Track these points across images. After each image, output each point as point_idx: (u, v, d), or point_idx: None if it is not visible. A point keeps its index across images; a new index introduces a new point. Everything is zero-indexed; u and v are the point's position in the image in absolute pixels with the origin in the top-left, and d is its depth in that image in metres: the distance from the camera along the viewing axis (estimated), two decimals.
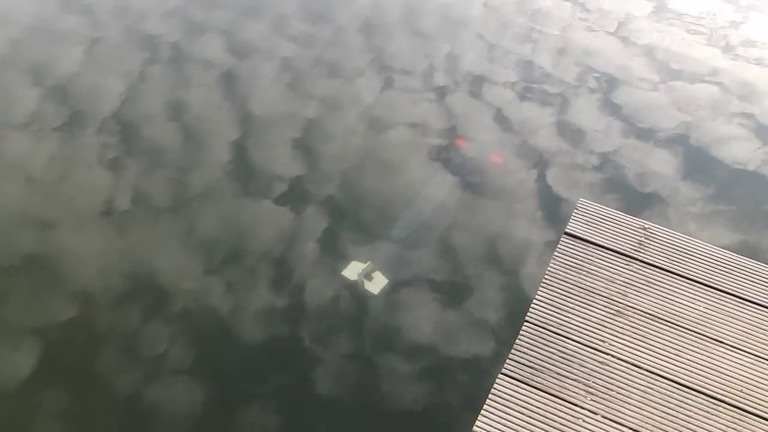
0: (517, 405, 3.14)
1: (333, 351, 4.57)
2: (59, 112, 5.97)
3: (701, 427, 3.11)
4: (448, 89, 6.52)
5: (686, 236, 3.79)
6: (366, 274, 4.91)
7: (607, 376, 3.25)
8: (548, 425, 3.09)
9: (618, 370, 3.27)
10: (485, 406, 3.12)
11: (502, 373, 3.22)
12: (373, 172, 5.73)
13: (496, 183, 5.71)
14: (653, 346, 3.35)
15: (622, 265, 3.61)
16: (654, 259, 3.65)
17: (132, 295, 4.78)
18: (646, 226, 3.79)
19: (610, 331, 3.38)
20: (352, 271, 4.93)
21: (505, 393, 3.16)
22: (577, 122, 6.30)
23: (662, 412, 3.14)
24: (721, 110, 6.60)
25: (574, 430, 3.09)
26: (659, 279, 3.57)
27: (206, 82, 6.37)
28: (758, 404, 3.20)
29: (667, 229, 3.81)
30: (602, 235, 3.73)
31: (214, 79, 6.40)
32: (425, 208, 5.46)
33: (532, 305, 3.44)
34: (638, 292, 3.51)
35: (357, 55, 6.79)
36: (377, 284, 4.86)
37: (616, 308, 3.45)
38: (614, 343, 3.34)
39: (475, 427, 3.06)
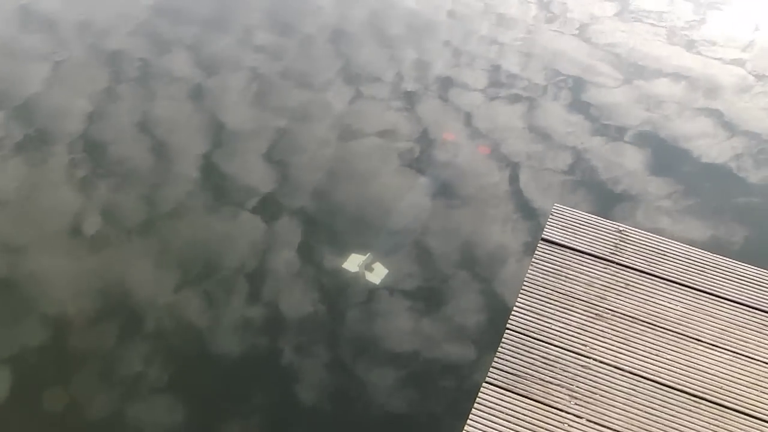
0: (503, 413, 3.13)
1: (314, 361, 4.53)
2: (25, 133, 5.83)
3: (685, 426, 3.14)
4: (417, 96, 6.52)
5: (661, 237, 3.82)
6: (366, 266, 4.98)
7: (590, 380, 3.26)
8: (534, 431, 3.09)
9: (600, 373, 3.28)
10: (471, 416, 3.11)
11: (486, 382, 3.21)
12: (346, 182, 5.71)
13: (470, 188, 5.71)
14: (634, 347, 3.37)
15: (600, 268, 3.63)
16: (630, 261, 3.68)
17: (107, 316, 4.68)
18: (621, 228, 3.81)
19: (590, 334, 3.40)
20: (352, 263, 5.00)
21: (491, 401, 3.15)
22: (547, 124, 6.35)
23: (646, 412, 3.16)
24: (687, 107, 6.71)
25: None
26: (637, 281, 3.60)
27: (174, 97, 6.28)
28: (738, 400, 3.24)
29: (642, 231, 3.84)
30: (578, 240, 3.74)
31: (183, 93, 6.32)
32: (401, 216, 5.45)
33: (513, 312, 3.44)
34: (617, 294, 3.53)
35: (325, 65, 6.76)
36: (378, 275, 4.94)
37: (596, 312, 3.47)
38: (595, 347, 3.36)
39: None
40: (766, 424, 3.14)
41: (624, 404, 3.18)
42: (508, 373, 3.25)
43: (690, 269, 3.68)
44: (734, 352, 3.40)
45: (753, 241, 5.47)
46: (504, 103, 6.53)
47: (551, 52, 7.15)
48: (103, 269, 4.94)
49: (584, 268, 3.62)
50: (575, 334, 3.39)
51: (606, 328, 3.41)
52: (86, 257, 5.01)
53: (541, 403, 3.17)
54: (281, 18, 7.30)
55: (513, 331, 3.37)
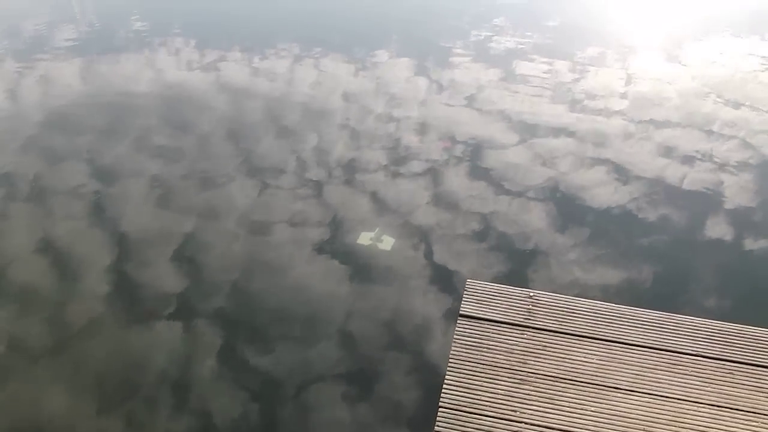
0: None
1: None
2: None
3: None
4: (322, 181, 6.87)
5: (568, 296, 4.26)
6: (377, 238, 6.13)
7: None
8: None
9: None
10: None
11: None
12: (260, 277, 5.88)
13: (385, 266, 6.00)
14: (559, 405, 3.72)
15: (517, 334, 4.00)
16: (544, 323, 4.07)
17: None
18: (532, 294, 4.22)
19: (518, 399, 3.72)
20: (364, 238, 6.21)
21: None
22: (451, 193, 6.82)
23: None
24: (580, 159, 7.35)
25: None
26: (552, 341, 3.98)
27: (73, 211, 6.38)
28: None
29: (551, 293, 4.26)
30: (494, 311, 4.11)
31: (82, 207, 6.43)
32: (319, 302, 5.63)
33: (443, 390, 3.73)
34: (536, 357, 3.89)
35: (226, 162, 7.05)
36: (387, 244, 6.16)
37: (520, 377, 3.81)
38: (525, 411, 3.68)
39: None
40: None
41: None
42: None
43: (598, 322, 4.11)
44: (650, 394, 3.81)
45: (662, 277, 5.98)
46: (408, 178, 6.96)
47: (446, 123, 7.72)
48: (12, 403, 4.87)
49: (503, 336, 3.99)
50: (504, 402, 3.71)
51: (531, 391, 3.75)
52: None
53: None
54: (176, 120, 7.59)
55: (446, 408, 3.66)
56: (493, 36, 9.89)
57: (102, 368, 5.13)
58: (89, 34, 9.78)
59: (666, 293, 5.58)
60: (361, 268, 5.99)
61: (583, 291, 5.56)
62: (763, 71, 9.35)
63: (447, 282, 5.87)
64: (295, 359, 5.22)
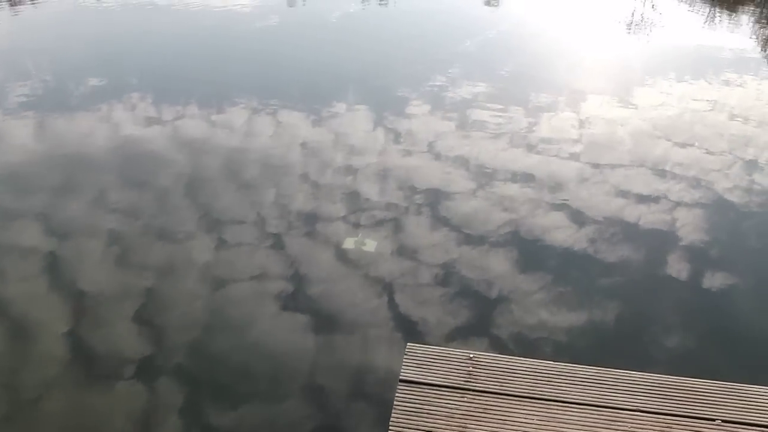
0: None
1: None
2: None
3: None
4: (282, 234, 6.89)
5: (508, 356, 4.29)
6: (360, 242, 6.79)
7: None
8: None
9: None
10: None
11: None
12: (223, 334, 5.82)
13: (349, 317, 5.95)
14: None
15: (457, 398, 4.01)
16: (483, 385, 4.09)
17: None
18: (471, 355, 4.24)
19: None
20: (349, 242, 6.84)
21: None
22: (412, 241, 6.85)
23: None
24: (538, 203, 7.44)
25: None
26: (492, 403, 4.00)
27: (26, 271, 6.31)
28: None
29: (490, 354, 4.29)
30: (434, 374, 4.12)
31: (35, 266, 6.37)
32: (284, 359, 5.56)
33: None
34: (477, 421, 3.90)
35: (185, 217, 7.06)
36: (370, 246, 6.83)
37: None
38: None
39: None
40: None
41: None
42: None
43: (538, 382, 4.13)
44: None
45: (624, 317, 6.01)
46: (369, 228, 7.00)
47: (405, 173, 7.80)
48: None
49: (442, 401, 3.99)
50: None
51: None
52: None
53: None
54: (133, 175, 7.59)
55: None
56: (448, 85, 10.11)
57: None
58: (45, 90, 9.87)
59: (630, 329, 5.59)
60: (325, 318, 5.92)
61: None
62: (708, 111, 9.64)
63: (410, 331, 5.76)
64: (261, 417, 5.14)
